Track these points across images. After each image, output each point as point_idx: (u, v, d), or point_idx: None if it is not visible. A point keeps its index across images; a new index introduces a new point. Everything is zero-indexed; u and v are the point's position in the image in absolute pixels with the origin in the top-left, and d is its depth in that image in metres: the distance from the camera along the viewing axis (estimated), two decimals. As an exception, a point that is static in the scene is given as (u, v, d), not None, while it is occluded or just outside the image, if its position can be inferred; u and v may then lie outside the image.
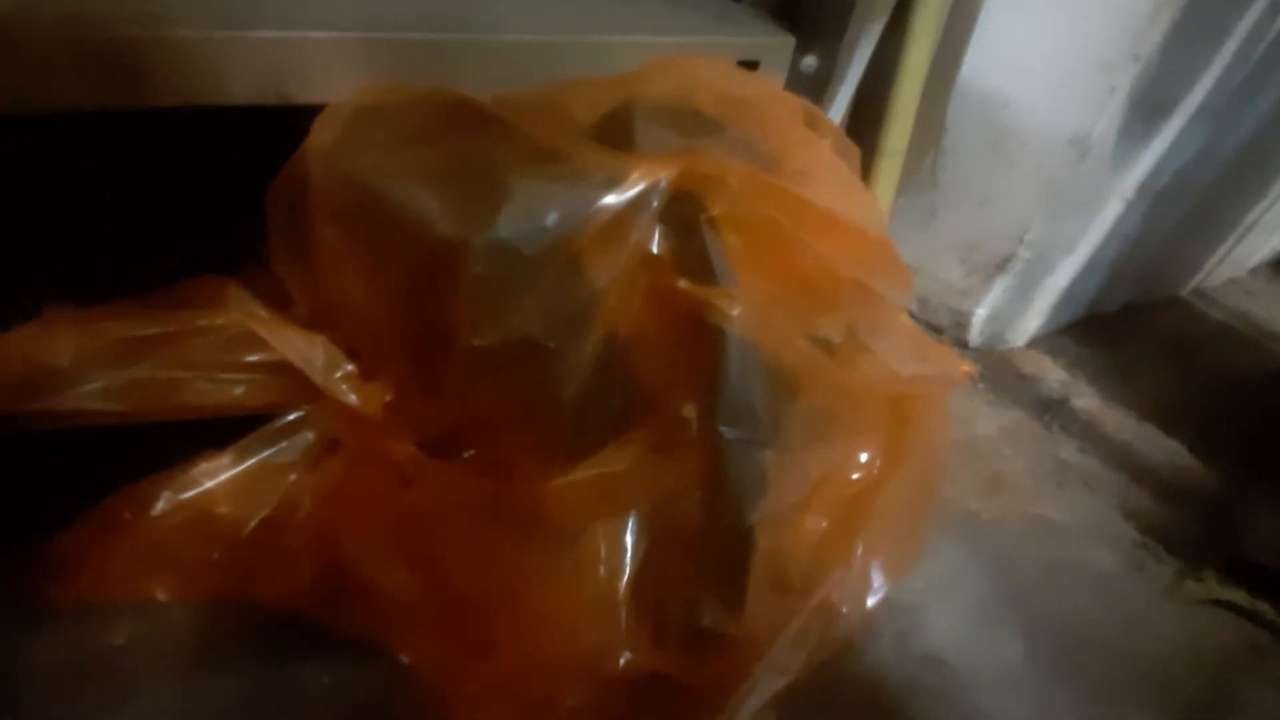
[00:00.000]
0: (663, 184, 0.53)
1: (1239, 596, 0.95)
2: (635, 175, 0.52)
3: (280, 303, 0.65)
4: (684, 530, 0.57)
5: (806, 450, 0.62)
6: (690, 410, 0.59)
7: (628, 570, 0.57)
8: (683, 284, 0.53)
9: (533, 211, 0.52)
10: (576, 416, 0.58)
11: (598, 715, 0.60)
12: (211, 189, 0.85)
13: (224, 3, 0.55)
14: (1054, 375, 1.30)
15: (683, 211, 0.54)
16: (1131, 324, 1.49)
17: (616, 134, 0.58)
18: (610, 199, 0.52)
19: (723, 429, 0.55)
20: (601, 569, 0.57)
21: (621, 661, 0.57)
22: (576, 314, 0.54)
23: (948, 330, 1.27)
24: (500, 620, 0.59)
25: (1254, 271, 1.81)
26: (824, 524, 0.72)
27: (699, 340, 0.54)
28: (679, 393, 0.58)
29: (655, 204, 0.53)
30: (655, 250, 0.55)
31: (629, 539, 0.57)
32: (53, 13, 0.49)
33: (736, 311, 0.53)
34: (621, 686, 0.59)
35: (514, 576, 0.59)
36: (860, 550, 0.71)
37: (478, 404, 0.59)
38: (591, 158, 0.53)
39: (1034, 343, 1.36)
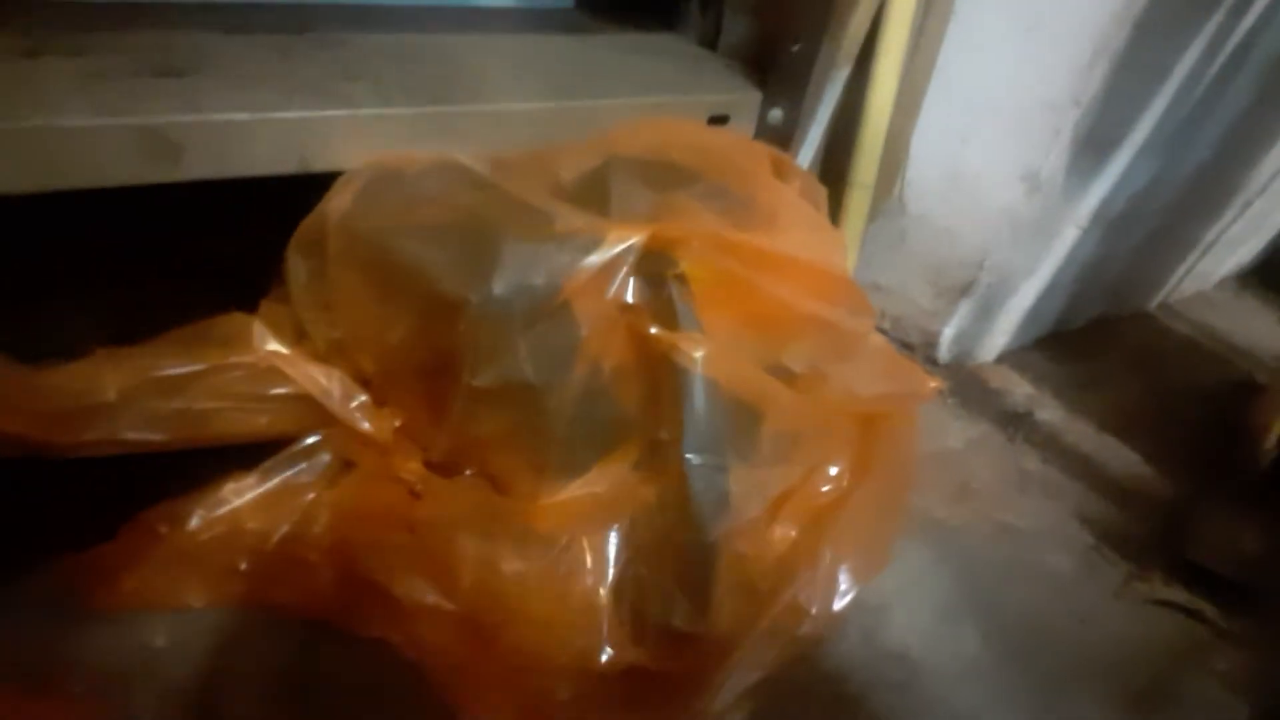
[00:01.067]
0: (636, 245, 0.60)
1: (1182, 596, 1.01)
2: (612, 238, 0.60)
3: (296, 337, 0.73)
4: (659, 542, 0.65)
5: (769, 470, 0.69)
6: (666, 433, 0.66)
7: (610, 576, 0.64)
8: (654, 330, 0.61)
9: (523, 270, 0.59)
10: (565, 441, 0.66)
11: (587, 705, 0.66)
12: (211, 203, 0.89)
13: (255, 88, 0.62)
14: (1020, 389, 1.35)
15: (653, 268, 0.62)
16: (1097, 339, 1.53)
17: (596, 192, 0.65)
18: (591, 259, 0.59)
19: (688, 455, 0.63)
20: (588, 576, 0.64)
21: (605, 657, 0.64)
22: (563, 356, 0.61)
23: (919, 348, 1.32)
24: (499, 621, 0.66)
25: (1219, 285, 1.86)
26: (792, 534, 0.78)
27: (667, 379, 0.62)
28: (655, 421, 0.65)
29: (630, 262, 0.61)
30: (631, 300, 0.62)
31: (611, 549, 0.64)
32: (111, 105, 0.56)
33: (699, 354, 0.60)
34: (607, 680, 0.66)
35: (511, 582, 0.66)
36: (828, 556, 0.77)
37: (477, 432, 0.66)
38: (575, 222, 0.60)
39: (1002, 358, 1.41)
